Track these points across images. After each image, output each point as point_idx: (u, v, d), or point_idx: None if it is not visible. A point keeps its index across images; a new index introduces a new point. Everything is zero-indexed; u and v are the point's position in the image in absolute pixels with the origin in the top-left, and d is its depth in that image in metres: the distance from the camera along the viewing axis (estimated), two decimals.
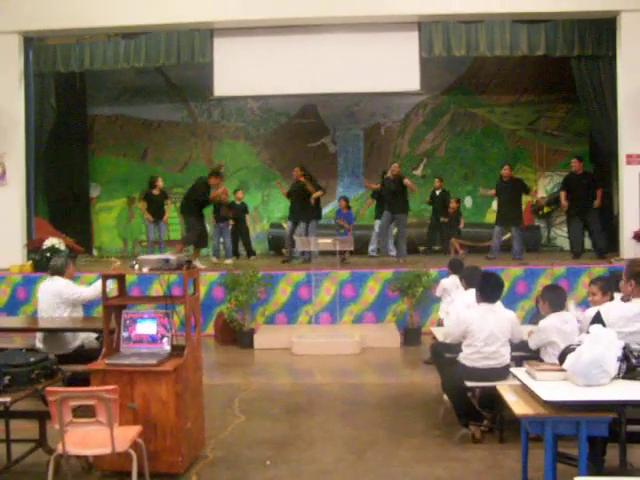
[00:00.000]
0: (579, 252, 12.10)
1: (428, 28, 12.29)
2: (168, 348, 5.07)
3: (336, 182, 16.51)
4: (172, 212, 15.64)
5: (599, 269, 10.51)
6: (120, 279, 5.51)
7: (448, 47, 12.28)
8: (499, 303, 5.96)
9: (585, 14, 11.90)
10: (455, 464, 5.18)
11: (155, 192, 13.32)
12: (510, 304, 7.33)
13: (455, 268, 8.24)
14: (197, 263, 11.44)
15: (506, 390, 4.46)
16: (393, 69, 12.51)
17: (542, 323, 5.56)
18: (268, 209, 16.38)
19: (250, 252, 14.08)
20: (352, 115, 16.45)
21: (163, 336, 5.09)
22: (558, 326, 5.44)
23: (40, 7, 12.10)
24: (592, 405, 3.86)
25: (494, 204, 13.02)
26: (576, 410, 3.88)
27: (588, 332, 4.18)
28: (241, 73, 12.66)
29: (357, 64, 12.43)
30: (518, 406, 4.09)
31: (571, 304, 6.67)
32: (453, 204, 13.96)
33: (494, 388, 4.87)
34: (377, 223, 13.22)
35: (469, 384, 5.73)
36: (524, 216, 15.54)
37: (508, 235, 12.71)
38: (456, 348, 5.95)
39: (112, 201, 16.75)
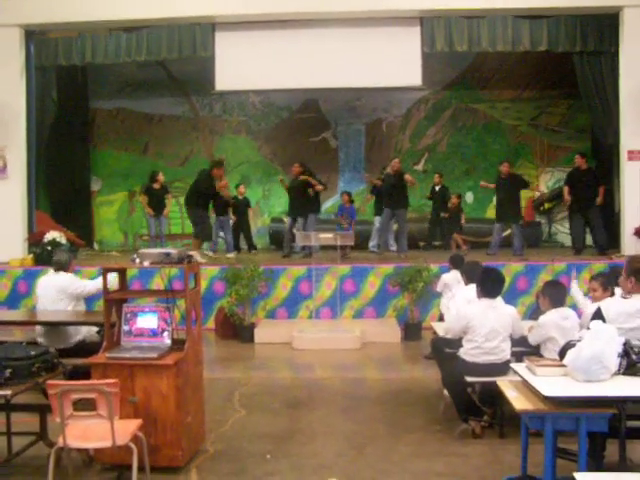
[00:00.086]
0: (580, 248, 12.09)
1: (430, 23, 12.27)
2: (169, 342, 5.08)
3: (337, 177, 16.51)
4: (173, 206, 15.67)
5: (600, 265, 10.50)
6: (121, 273, 5.51)
7: (450, 42, 12.26)
8: (500, 298, 5.96)
9: (587, 10, 11.88)
10: (455, 459, 5.19)
11: (156, 186, 13.33)
12: (511, 300, 7.32)
13: (456, 263, 8.25)
14: (197, 256, 11.44)
15: (506, 385, 4.46)
16: (395, 64, 12.49)
17: (542, 319, 5.57)
18: (269, 204, 16.38)
19: (251, 246, 14.09)
20: (353, 110, 16.44)
21: (164, 330, 5.10)
22: (557, 322, 5.45)
23: (42, 0, 12.10)
24: (592, 401, 3.86)
25: (495, 199, 13.01)
26: (576, 406, 3.88)
27: (588, 328, 4.18)
28: (243, 67, 12.64)
29: (359, 59, 12.42)
30: (518, 401, 4.10)
31: (574, 284, 6.69)
32: (454, 199, 13.95)
33: (494, 383, 4.88)
34: (377, 219, 13.21)
35: (469, 379, 5.74)
36: (525, 212, 15.59)
37: (509, 231, 12.72)
38: (456, 343, 5.96)
39: (113, 195, 16.75)
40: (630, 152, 11.77)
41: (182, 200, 16.19)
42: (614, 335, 4.04)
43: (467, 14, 12.09)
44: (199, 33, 12.55)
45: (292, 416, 6.50)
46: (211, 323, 10.52)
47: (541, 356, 5.30)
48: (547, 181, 16.14)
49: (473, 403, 5.88)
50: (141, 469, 4.49)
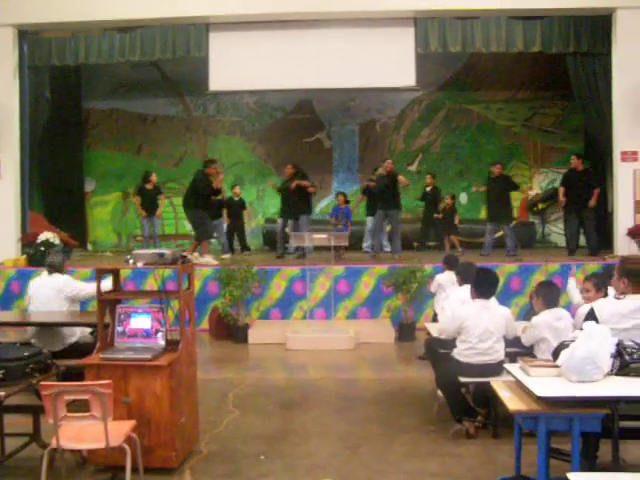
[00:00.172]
0: (574, 249, 12.12)
1: (424, 24, 12.29)
2: (162, 343, 5.07)
3: (331, 177, 16.52)
4: (167, 207, 15.68)
5: (593, 266, 10.52)
6: (115, 274, 5.50)
7: (444, 43, 12.29)
8: (494, 299, 5.98)
9: (581, 11, 11.91)
10: (449, 459, 5.19)
11: (148, 187, 13.29)
12: (504, 300, 7.34)
13: (450, 264, 8.25)
14: (208, 259, 11.46)
15: (500, 386, 4.47)
16: (389, 65, 12.52)
17: (534, 319, 5.58)
18: (263, 204, 16.38)
19: (244, 247, 14.09)
20: (347, 110, 16.45)
21: (157, 331, 5.09)
22: (550, 322, 5.45)
23: (35, 0, 12.07)
24: (585, 401, 3.87)
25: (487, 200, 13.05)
26: (569, 406, 3.89)
27: (582, 329, 4.19)
28: (237, 68, 12.65)
29: (353, 59, 12.44)
30: (512, 402, 4.10)
31: (572, 281, 6.69)
32: (449, 200, 13.96)
33: (488, 384, 4.88)
34: (369, 220, 13.21)
35: (463, 380, 5.75)
36: (519, 212, 15.63)
37: (501, 233, 12.75)
38: (450, 344, 5.97)
39: (107, 195, 16.73)
40: (623, 153, 11.81)
41: (176, 201, 16.29)
42: (607, 336, 4.05)
43: (461, 15, 12.11)
44: (193, 33, 12.54)
45: (286, 417, 6.50)
46: (205, 324, 10.52)
47: (534, 357, 5.31)
48: (541, 182, 16.18)
49: (467, 403, 5.89)
50: (135, 470, 4.48)
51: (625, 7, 11.66)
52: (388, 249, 12.84)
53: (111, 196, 16.72)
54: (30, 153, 13.02)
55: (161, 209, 13.65)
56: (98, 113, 16.69)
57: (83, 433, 4.35)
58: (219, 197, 12.77)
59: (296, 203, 12.48)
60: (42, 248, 11.36)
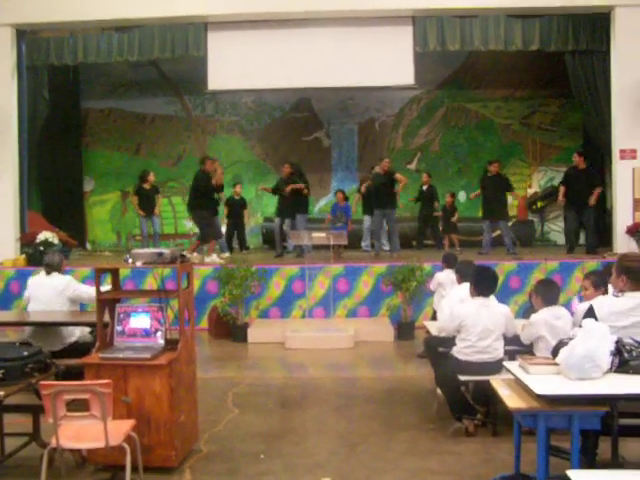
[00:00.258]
0: (573, 247, 12.12)
1: (422, 22, 12.29)
2: (162, 342, 5.07)
3: (330, 176, 16.53)
4: (166, 206, 15.70)
5: (592, 264, 10.53)
6: (114, 273, 5.50)
7: (442, 41, 12.28)
8: (493, 297, 5.98)
9: (579, 9, 11.92)
10: (448, 457, 5.20)
11: (146, 186, 13.24)
12: (503, 298, 7.34)
13: (450, 262, 8.26)
14: (214, 257, 11.52)
15: (499, 384, 4.47)
16: (387, 63, 12.52)
17: (533, 317, 5.58)
18: (262, 203, 16.38)
19: (243, 247, 14.09)
20: (346, 109, 16.46)
21: (157, 330, 5.09)
22: (548, 320, 5.44)
23: (33, 0, 12.05)
24: (585, 399, 3.87)
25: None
26: (569, 404, 3.89)
27: (581, 326, 4.19)
28: (235, 67, 12.64)
29: (351, 58, 12.44)
30: (511, 400, 4.10)
31: (575, 300, 6.68)
32: (448, 198, 13.97)
33: (487, 382, 4.89)
34: (366, 219, 13.21)
35: (463, 378, 5.75)
36: (518, 210, 15.63)
37: (499, 232, 12.74)
38: (450, 342, 5.96)
39: (105, 195, 16.73)
40: (622, 151, 11.81)
41: (174, 200, 16.30)
42: (606, 333, 4.05)
43: (459, 13, 12.11)
44: (191, 33, 12.53)
45: (285, 415, 6.51)
46: (204, 323, 10.52)
47: (534, 355, 5.31)
48: (539, 180, 16.18)
49: (466, 402, 5.89)
50: (134, 469, 4.48)
51: (623, 5, 11.65)
52: (387, 248, 12.85)
53: (110, 195, 16.72)
54: (29, 153, 13.00)
55: (159, 208, 13.61)
56: (97, 113, 16.68)
57: (83, 432, 4.35)
58: (219, 194, 12.75)
59: (292, 202, 12.49)
60: (41, 248, 11.36)
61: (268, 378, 8.20)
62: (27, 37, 12.81)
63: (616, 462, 4.01)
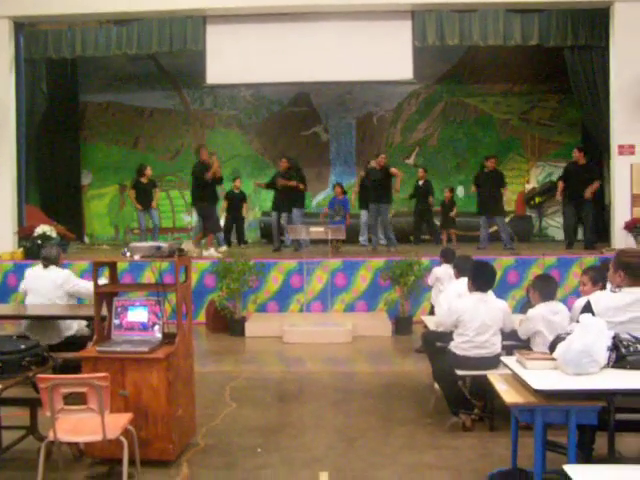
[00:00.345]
0: (572, 242, 12.12)
1: (421, 17, 12.27)
2: (159, 336, 5.07)
3: (329, 171, 16.52)
4: (164, 199, 15.69)
5: (590, 259, 10.54)
6: (112, 266, 5.49)
7: (441, 36, 12.26)
8: (491, 292, 5.98)
9: (579, 4, 11.92)
10: (445, 452, 5.21)
11: (143, 180, 13.22)
12: (501, 293, 7.35)
13: (448, 257, 8.26)
14: (212, 251, 11.55)
15: (497, 379, 4.47)
16: (386, 58, 12.49)
17: (530, 312, 5.58)
18: (260, 197, 16.35)
19: (241, 240, 14.10)
20: (344, 104, 16.44)
21: (154, 324, 5.09)
22: (545, 316, 5.45)
23: None
24: (582, 394, 3.87)
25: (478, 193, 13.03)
26: (566, 399, 3.89)
27: (578, 321, 4.19)
28: (234, 61, 12.61)
29: (350, 52, 12.42)
30: (508, 395, 4.11)
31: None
32: (447, 193, 13.97)
33: (485, 377, 4.89)
34: (363, 213, 13.22)
35: (460, 373, 5.75)
36: (517, 206, 15.63)
37: (495, 227, 12.74)
38: (447, 337, 5.97)
39: (104, 189, 16.72)
40: (620, 146, 11.80)
41: (172, 194, 16.30)
42: (603, 328, 4.06)
43: (458, 8, 12.10)
44: (190, 26, 12.50)
45: (283, 409, 6.51)
46: (202, 317, 10.52)
47: (531, 350, 5.32)
48: (538, 175, 16.19)
49: (464, 396, 5.90)
50: (132, 463, 4.48)
51: (623, 0, 11.63)
52: (384, 242, 12.85)
53: (108, 189, 16.70)
54: (27, 146, 12.98)
55: (156, 201, 13.57)
56: (95, 106, 16.65)
57: (80, 426, 4.35)
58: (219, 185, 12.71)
59: (288, 196, 12.50)
60: (39, 241, 11.36)
61: (266, 372, 8.20)
62: (25, 30, 12.77)
63: (613, 457, 4.02)
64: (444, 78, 16.14)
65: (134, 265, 10.35)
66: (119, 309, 5.15)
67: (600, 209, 12.79)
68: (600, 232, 12.39)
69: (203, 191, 11.83)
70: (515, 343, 5.78)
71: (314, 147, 16.41)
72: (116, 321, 5.14)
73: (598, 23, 12.18)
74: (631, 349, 4.10)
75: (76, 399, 4.35)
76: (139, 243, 5.32)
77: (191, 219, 15.26)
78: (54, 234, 11.75)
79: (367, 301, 10.78)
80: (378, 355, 8.97)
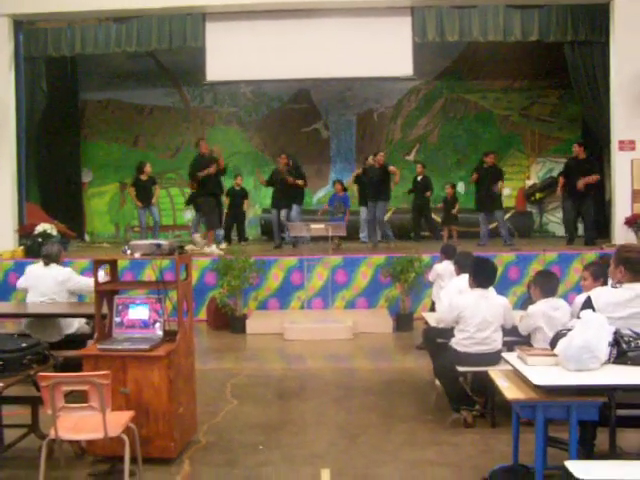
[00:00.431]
0: (573, 237, 12.11)
1: (421, 13, 12.26)
2: (160, 333, 5.07)
3: (329, 167, 16.51)
4: (164, 197, 15.68)
5: (591, 255, 10.53)
6: (112, 264, 5.49)
7: (441, 32, 12.26)
8: (492, 289, 5.97)
9: None
10: (447, 448, 5.21)
11: (143, 177, 13.18)
12: (502, 290, 7.34)
13: (448, 253, 8.25)
14: (213, 248, 11.54)
15: (498, 375, 4.47)
16: (386, 54, 12.49)
17: (530, 308, 5.58)
18: (260, 194, 16.35)
19: (242, 238, 14.10)
20: (344, 100, 16.42)
21: (155, 321, 5.09)
22: (546, 312, 5.44)
23: None
24: (583, 390, 3.87)
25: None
26: (567, 394, 3.89)
27: (579, 317, 4.19)
28: (234, 58, 12.61)
29: (350, 49, 12.42)
30: (509, 391, 4.11)
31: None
32: (449, 189, 13.95)
33: (486, 373, 4.88)
34: (363, 210, 13.22)
35: (461, 369, 5.75)
36: (517, 202, 15.63)
37: (495, 224, 12.72)
38: (448, 333, 5.97)
39: (104, 186, 16.72)
40: (621, 142, 11.79)
41: (173, 191, 16.30)
42: (604, 324, 4.05)
43: (458, 4, 12.10)
44: (190, 23, 12.50)
45: (284, 406, 6.51)
46: (203, 314, 10.52)
47: (531, 346, 5.31)
48: (538, 171, 16.17)
49: (465, 393, 5.90)
50: (133, 460, 4.49)
51: None
52: (382, 239, 12.84)
53: (108, 187, 16.70)
54: (27, 144, 12.98)
55: (156, 198, 13.54)
56: (95, 104, 16.64)
57: (81, 424, 4.35)
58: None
59: (288, 193, 12.51)
60: (39, 239, 11.36)
61: (267, 369, 8.21)
62: (24, 28, 12.76)
63: (614, 453, 4.02)
64: (444, 74, 16.12)
65: (135, 263, 10.35)
66: (120, 307, 5.15)
67: (601, 205, 12.77)
68: (601, 228, 12.38)
69: (203, 185, 11.80)
70: (516, 339, 5.78)
71: (314, 144, 16.40)
72: (117, 319, 5.14)
73: (598, 19, 12.17)
74: (632, 345, 4.10)
75: (77, 397, 4.35)
76: (139, 241, 5.31)
77: (190, 217, 15.18)
78: (54, 232, 11.75)
79: (368, 298, 10.77)
80: (379, 352, 8.97)
